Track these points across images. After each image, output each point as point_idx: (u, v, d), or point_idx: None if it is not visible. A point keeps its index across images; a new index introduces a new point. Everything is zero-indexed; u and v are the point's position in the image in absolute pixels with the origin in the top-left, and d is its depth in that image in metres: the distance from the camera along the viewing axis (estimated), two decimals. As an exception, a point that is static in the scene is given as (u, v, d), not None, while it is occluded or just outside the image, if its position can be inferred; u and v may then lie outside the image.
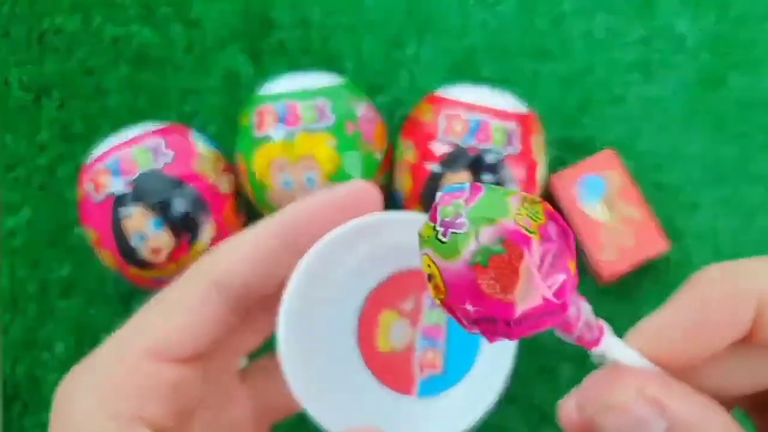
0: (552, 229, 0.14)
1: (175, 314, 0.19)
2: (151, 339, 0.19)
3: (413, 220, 0.22)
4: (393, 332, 0.23)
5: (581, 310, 0.17)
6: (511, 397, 0.46)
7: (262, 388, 0.24)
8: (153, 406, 0.18)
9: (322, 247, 0.21)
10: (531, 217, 0.14)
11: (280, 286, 0.21)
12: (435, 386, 0.24)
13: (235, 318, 0.21)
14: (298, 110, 0.40)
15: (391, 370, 0.24)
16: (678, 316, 0.17)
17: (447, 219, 0.14)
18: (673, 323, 0.17)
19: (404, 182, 0.42)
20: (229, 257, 0.20)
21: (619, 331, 0.19)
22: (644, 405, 0.16)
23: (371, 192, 0.22)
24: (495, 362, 0.24)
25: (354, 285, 0.23)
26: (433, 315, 0.24)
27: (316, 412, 0.21)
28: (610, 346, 0.17)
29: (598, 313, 0.18)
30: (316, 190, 0.40)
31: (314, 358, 0.22)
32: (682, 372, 0.17)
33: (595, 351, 0.17)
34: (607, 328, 0.18)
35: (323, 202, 0.21)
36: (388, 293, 0.24)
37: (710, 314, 0.16)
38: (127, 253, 0.40)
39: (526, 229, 0.14)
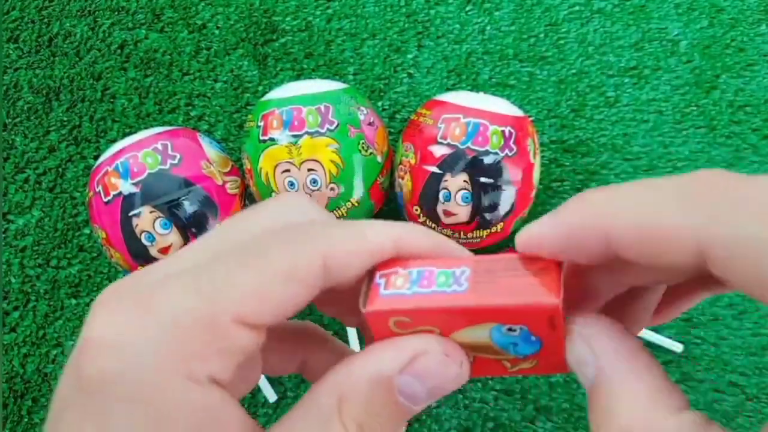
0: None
1: (280, 282, 0.17)
2: (246, 305, 0.17)
3: None
4: None
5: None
6: (507, 391, 0.47)
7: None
8: (225, 369, 0.17)
9: None
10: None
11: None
12: None
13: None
14: (302, 114, 0.41)
15: None
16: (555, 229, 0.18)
17: None
18: (551, 235, 0.18)
19: (405, 183, 0.43)
20: (347, 246, 0.18)
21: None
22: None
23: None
24: None
25: None
26: None
27: None
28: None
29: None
30: (319, 192, 0.41)
31: None
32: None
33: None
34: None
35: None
36: None
37: (570, 240, 0.18)
38: (136, 252, 0.41)
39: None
